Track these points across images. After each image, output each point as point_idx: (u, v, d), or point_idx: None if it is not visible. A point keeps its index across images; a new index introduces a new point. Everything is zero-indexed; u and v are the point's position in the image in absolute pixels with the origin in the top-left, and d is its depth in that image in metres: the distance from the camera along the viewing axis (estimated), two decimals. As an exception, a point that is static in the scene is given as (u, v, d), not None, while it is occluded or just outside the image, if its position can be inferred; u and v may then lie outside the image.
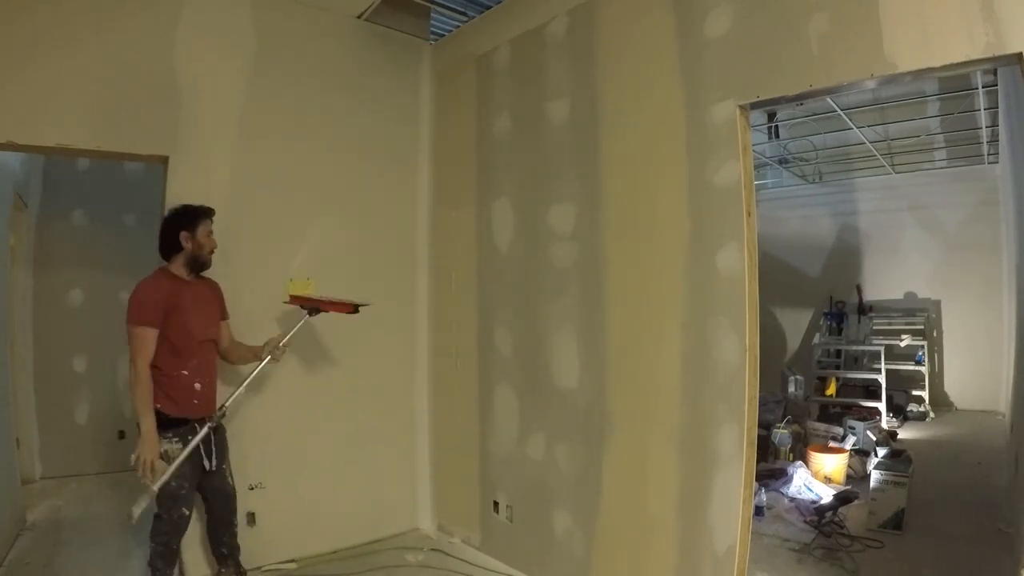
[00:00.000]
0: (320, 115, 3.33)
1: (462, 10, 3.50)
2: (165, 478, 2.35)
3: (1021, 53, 1.64)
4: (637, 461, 2.54)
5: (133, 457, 2.35)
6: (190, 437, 2.47)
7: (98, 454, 4.61)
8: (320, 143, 3.32)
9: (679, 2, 2.45)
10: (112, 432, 4.68)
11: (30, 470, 4.33)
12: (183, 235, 2.50)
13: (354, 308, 2.80)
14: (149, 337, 2.41)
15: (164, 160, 2.87)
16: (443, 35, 3.76)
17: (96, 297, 4.64)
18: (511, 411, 3.15)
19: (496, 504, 3.23)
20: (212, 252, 2.60)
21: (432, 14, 3.63)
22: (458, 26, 3.63)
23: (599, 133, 2.75)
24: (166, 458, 2.39)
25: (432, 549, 3.35)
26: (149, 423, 2.36)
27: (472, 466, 3.38)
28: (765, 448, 4.61)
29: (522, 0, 3.19)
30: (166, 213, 2.57)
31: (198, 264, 2.57)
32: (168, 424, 2.43)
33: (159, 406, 2.40)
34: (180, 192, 2.88)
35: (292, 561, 3.12)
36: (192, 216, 2.52)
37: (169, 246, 2.51)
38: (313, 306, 2.86)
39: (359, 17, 3.45)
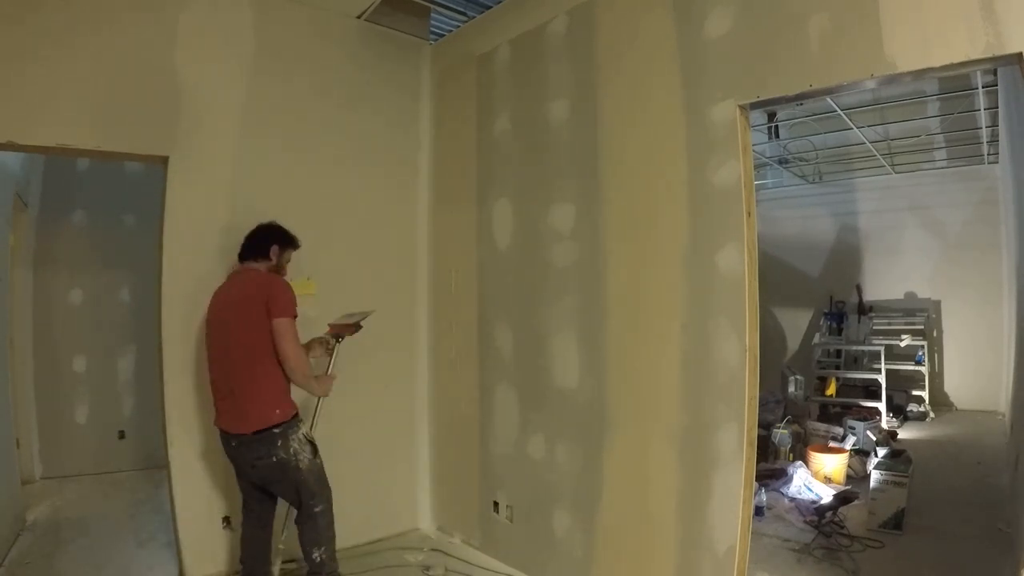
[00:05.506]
0: (320, 115, 3.33)
1: (462, 10, 3.50)
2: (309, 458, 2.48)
3: (1021, 53, 1.64)
4: (637, 461, 2.54)
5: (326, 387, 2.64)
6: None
7: (98, 454, 4.61)
8: (320, 142, 3.32)
9: (679, 2, 2.45)
10: (112, 432, 4.68)
11: (30, 470, 4.33)
12: (274, 248, 2.62)
13: (355, 328, 2.87)
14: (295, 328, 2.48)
15: (164, 160, 2.87)
16: (443, 35, 3.75)
17: (96, 297, 4.65)
18: (511, 411, 3.15)
19: (496, 504, 3.24)
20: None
21: (432, 14, 3.63)
22: (458, 26, 3.63)
23: (599, 133, 2.75)
24: (311, 440, 2.52)
25: (432, 549, 3.35)
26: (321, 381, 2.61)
27: (472, 466, 3.38)
28: (765, 448, 4.61)
29: (522, 0, 3.19)
30: (265, 224, 2.68)
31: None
32: (295, 417, 2.49)
33: (279, 411, 2.42)
34: (180, 192, 2.89)
35: (292, 561, 3.11)
36: (288, 239, 2.69)
37: (257, 250, 2.61)
38: (339, 332, 2.86)
39: (359, 17, 3.45)
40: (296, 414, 2.48)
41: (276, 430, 2.38)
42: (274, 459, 2.38)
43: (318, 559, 2.48)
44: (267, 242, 2.62)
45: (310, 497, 2.46)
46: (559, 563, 2.87)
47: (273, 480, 2.46)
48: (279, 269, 2.65)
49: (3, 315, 3.61)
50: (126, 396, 4.75)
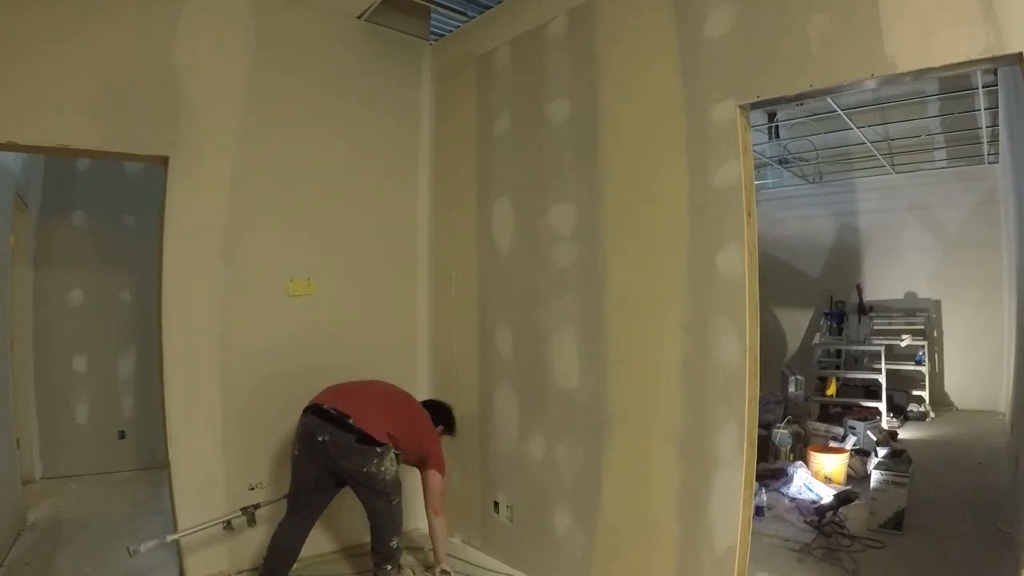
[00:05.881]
0: (320, 115, 3.33)
1: (462, 10, 3.50)
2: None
3: (1021, 53, 1.64)
4: (637, 461, 2.54)
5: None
6: None
7: (98, 454, 4.61)
8: (320, 143, 3.32)
9: (679, 2, 2.45)
10: (112, 432, 4.69)
11: (30, 470, 4.33)
12: (440, 428, 3.05)
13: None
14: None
15: (164, 160, 2.87)
16: (443, 35, 3.75)
17: (96, 297, 4.65)
18: (511, 411, 3.15)
19: (496, 504, 3.24)
20: None
21: (432, 14, 3.63)
22: (458, 26, 3.63)
23: (599, 133, 2.75)
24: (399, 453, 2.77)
25: (432, 549, 3.34)
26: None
27: (472, 466, 3.38)
28: (765, 448, 4.61)
29: (522, 0, 3.19)
30: (446, 404, 3.19)
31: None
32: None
33: (380, 437, 2.62)
34: (180, 192, 2.89)
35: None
36: (452, 427, 3.14)
37: (433, 414, 3.03)
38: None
39: (359, 17, 3.45)
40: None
41: (378, 449, 2.58)
42: (365, 470, 2.56)
43: (395, 545, 2.68)
44: (439, 419, 3.05)
45: (389, 496, 2.65)
46: (559, 563, 2.87)
47: (356, 481, 2.61)
48: (434, 444, 2.98)
49: (3, 315, 3.61)
50: (126, 396, 4.76)
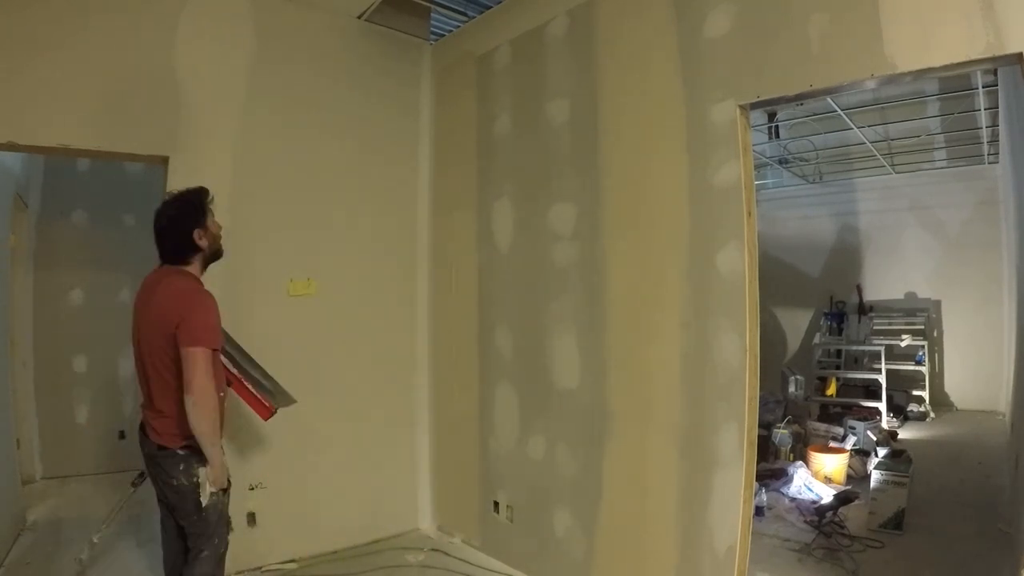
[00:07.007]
0: (321, 116, 3.33)
1: (462, 10, 3.50)
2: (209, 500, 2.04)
3: (1021, 53, 1.64)
4: (637, 461, 2.54)
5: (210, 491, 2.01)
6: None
7: (98, 454, 4.61)
8: (320, 144, 3.32)
9: (679, 2, 2.45)
10: (112, 432, 4.68)
11: (30, 470, 4.33)
12: (197, 233, 2.11)
13: (270, 413, 2.45)
14: (217, 361, 2.07)
15: (164, 160, 2.87)
16: (443, 35, 3.76)
17: (96, 297, 4.65)
18: (511, 411, 3.15)
19: (496, 504, 3.23)
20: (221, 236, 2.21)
21: (432, 14, 3.63)
22: (458, 26, 3.63)
23: (599, 133, 2.75)
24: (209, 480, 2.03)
25: (432, 549, 3.35)
26: (220, 454, 2.02)
27: (472, 466, 3.38)
28: (765, 448, 4.61)
29: (522, 0, 3.19)
30: (164, 210, 2.13)
31: (216, 257, 2.23)
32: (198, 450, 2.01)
33: (183, 434, 2.02)
34: (180, 192, 2.89)
35: (292, 561, 3.13)
36: (199, 210, 2.13)
37: (184, 249, 2.12)
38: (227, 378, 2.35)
39: (359, 17, 3.45)
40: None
41: (180, 452, 2.01)
42: (175, 483, 2.00)
43: None
44: (187, 235, 2.10)
45: (197, 537, 2.07)
46: (559, 563, 2.87)
47: (176, 506, 2.07)
48: (215, 240, 2.19)
49: (3, 315, 3.61)
50: (126, 396, 4.75)
